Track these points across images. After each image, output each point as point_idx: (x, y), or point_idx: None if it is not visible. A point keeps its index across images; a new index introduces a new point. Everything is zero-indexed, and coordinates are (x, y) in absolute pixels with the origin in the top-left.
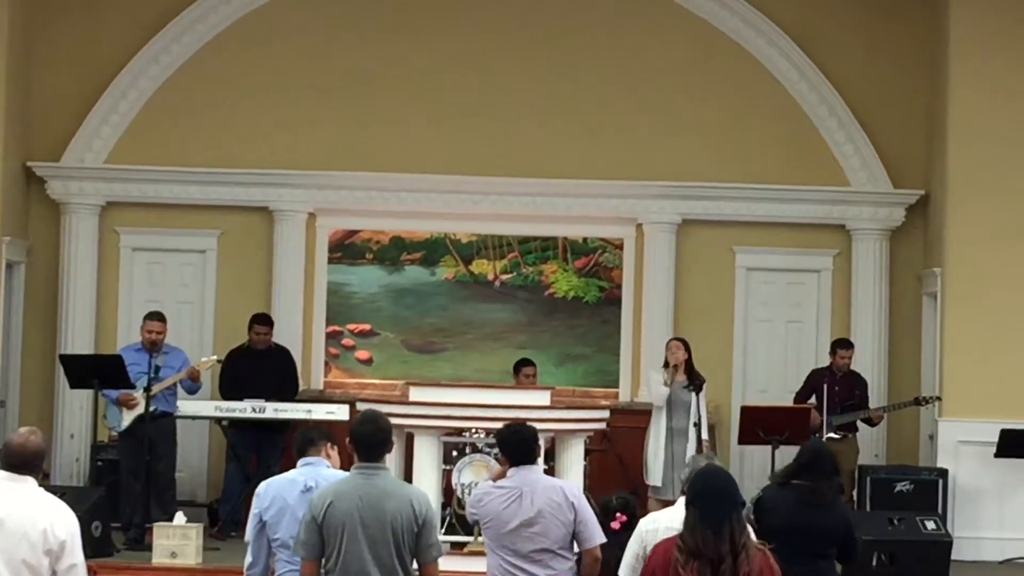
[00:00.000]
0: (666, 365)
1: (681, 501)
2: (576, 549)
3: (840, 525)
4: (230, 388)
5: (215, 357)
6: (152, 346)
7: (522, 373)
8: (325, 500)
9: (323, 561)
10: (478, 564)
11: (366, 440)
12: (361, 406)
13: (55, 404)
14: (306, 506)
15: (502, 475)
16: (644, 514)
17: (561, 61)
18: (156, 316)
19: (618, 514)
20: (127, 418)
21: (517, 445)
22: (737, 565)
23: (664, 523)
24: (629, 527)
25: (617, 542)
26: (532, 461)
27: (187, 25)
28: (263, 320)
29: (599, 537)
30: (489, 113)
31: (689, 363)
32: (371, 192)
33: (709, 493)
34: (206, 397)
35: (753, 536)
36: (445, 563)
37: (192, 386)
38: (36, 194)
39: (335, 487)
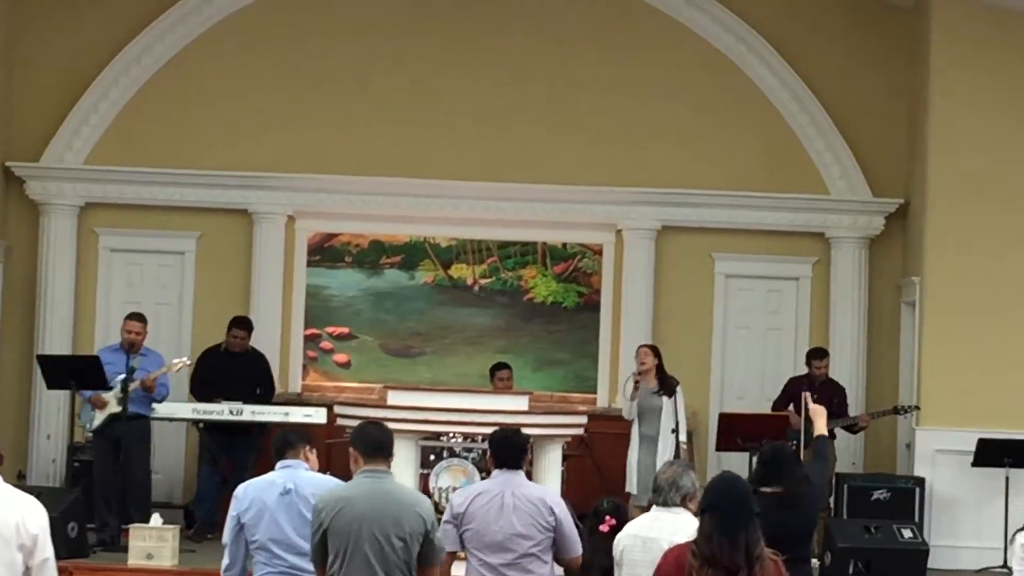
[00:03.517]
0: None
1: (653, 510)
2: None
3: (810, 522)
4: (202, 388)
5: (185, 359)
6: (131, 347)
7: (497, 377)
8: (335, 505)
9: (328, 565)
10: (457, 569)
11: (367, 442)
12: (339, 409)
13: (32, 405)
14: (284, 509)
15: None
16: (627, 516)
17: (542, 66)
18: (136, 316)
19: (608, 517)
20: (99, 418)
21: (506, 448)
22: (751, 575)
23: (627, 531)
24: (618, 532)
25: (603, 546)
26: (517, 466)
27: (168, 26)
28: (242, 324)
29: (577, 548)
30: (470, 117)
31: (660, 368)
32: (351, 195)
33: (726, 502)
34: (183, 399)
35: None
36: None
37: (147, 396)
38: (15, 194)
39: (343, 492)
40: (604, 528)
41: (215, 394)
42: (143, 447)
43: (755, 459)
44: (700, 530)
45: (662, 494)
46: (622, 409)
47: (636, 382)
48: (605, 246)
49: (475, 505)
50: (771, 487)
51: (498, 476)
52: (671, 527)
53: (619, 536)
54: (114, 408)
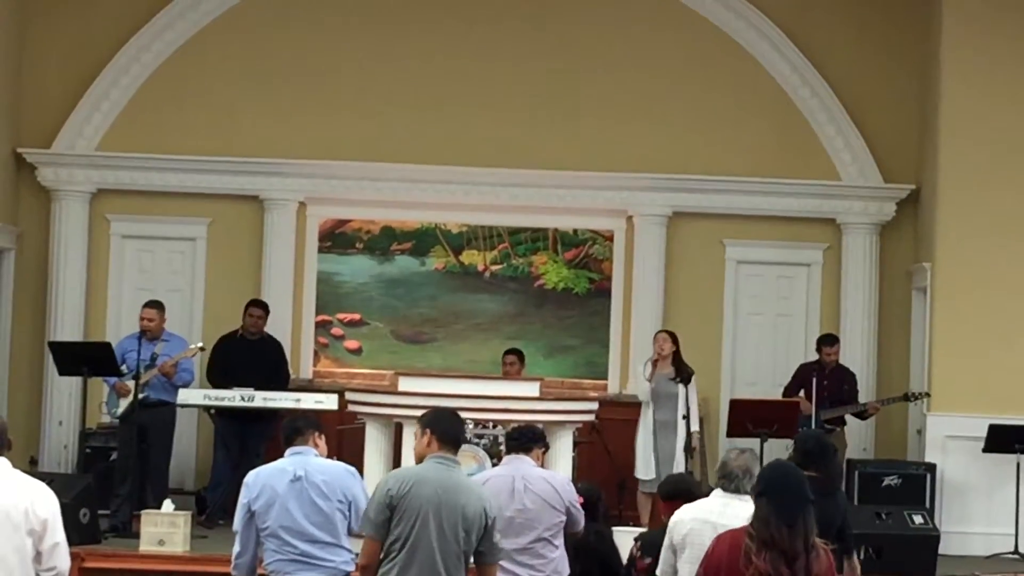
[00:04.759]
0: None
1: (720, 496)
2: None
3: (841, 511)
4: (220, 376)
5: (199, 345)
6: (145, 334)
7: (504, 362)
8: (406, 482)
9: (386, 542)
10: None
11: (451, 430)
12: (350, 395)
13: (44, 391)
14: (295, 496)
15: None
16: (633, 506)
17: (553, 52)
18: (150, 304)
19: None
20: (123, 404)
21: (518, 435)
22: (810, 562)
23: (690, 515)
24: (585, 512)
25: None
26: (527, 450)
27: (179, 13)
28: (259, 304)
29: (581, 523)
30: (481, 103)
31: (677, 355)
32: (362, 182)
33: (784, 487)
34: (195, 385)
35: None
36: None
37: (169, 382)
38: (26, 180)
39: (414, 471)
40: None
41: (230, 381)
42: (166, 434)
43: (793, 444)
44: (757, 514)
45: (734, 481)
46: (638, 392)
47: (654, 363)
48: (616, 232)
49: (492, 486)
50: (808, 472)
51: (507, 462)
52: (744, 515)
53: (680, 518)
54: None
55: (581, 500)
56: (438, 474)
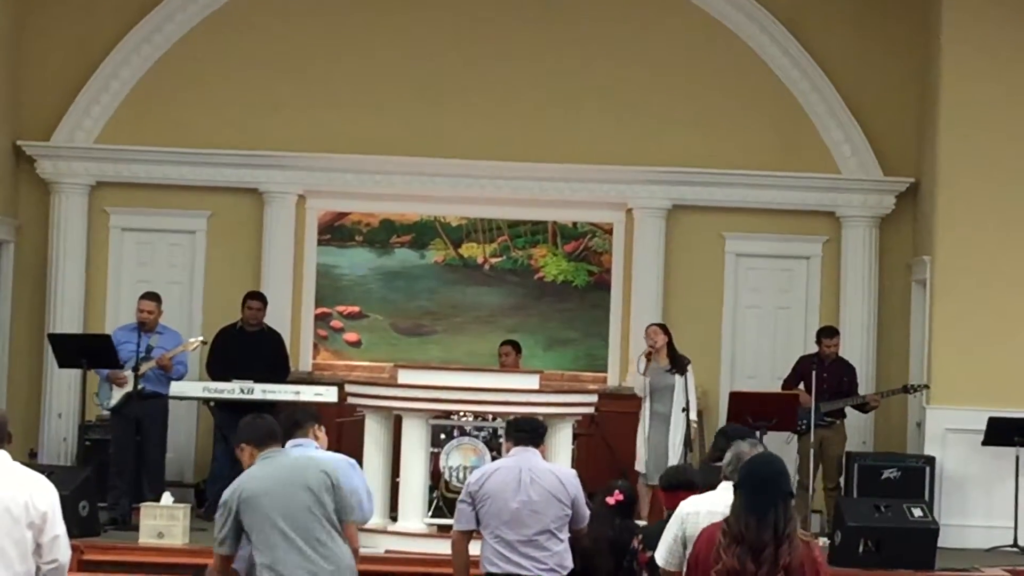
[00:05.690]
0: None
1: (723, 486)
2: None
3: None
4: (219, 368)
5: (200, 338)
6: (142, 326)
7: (501, 352)
8: (236, 490)
9: (250, 550)
10: (473, 548)
11: (259, 432)
12: (350, 388)
13: (43, 383)
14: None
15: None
16: (636, 499)
17: (553, 46)
18: (148, 296)
19: (616, 491)
20: (116, 396)
21: (523, 427)
22: (778, 554)
23: (706, 507)
24: (622, 509)
25: (607, 519)
26: (533, 443)
27: (179, 5)
28: (256, 296)
29: (586, 519)
30: (480, 96)
31: (671, 347)
32: (361, 175)
33: (757, 480)
34: (195, 377)
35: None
36: (433, 546)
37: (164, 375)
38: (25, 173)
39: (243, 476)
40: (611, 500)
41: (230, 374)
42: (160, 426)
43: (715, 436)
44: (731, 508)
45: None
46: (634, 386)
47: (648, 356)
48: (615, 225)
49: (492, 482)
50: None
51: (515, 454)
52: None
53: (696, 510)
54: (130, 387)
55: (621, 497)
56: (266, 467)
